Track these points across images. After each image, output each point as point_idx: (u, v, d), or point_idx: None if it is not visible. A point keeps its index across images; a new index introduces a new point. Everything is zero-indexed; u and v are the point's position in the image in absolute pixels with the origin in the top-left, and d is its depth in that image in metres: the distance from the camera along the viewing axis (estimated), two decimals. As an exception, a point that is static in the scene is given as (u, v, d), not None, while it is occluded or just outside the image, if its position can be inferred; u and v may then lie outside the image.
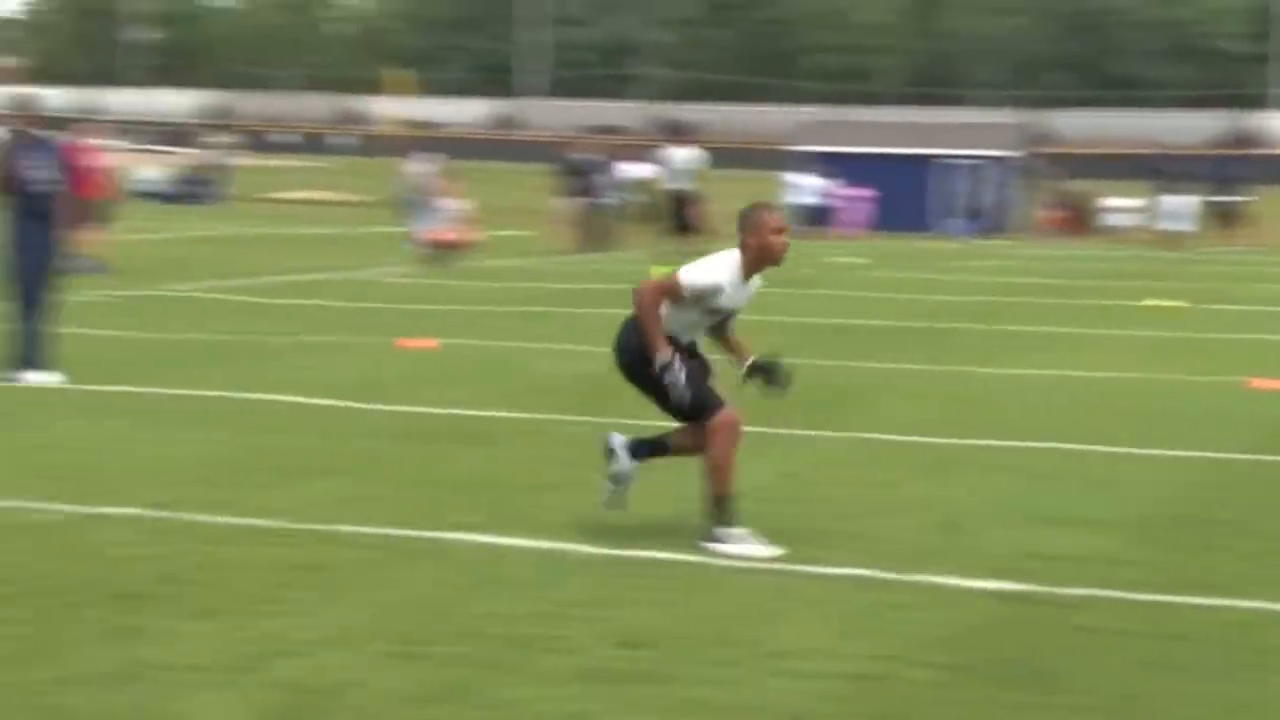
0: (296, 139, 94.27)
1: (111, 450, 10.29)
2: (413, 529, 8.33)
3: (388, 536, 8.18)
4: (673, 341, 8.11)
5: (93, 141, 25.45)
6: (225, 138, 58.72)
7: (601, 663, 6.30)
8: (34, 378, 12.91)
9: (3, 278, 13.34)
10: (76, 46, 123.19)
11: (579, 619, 6.84)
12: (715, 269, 8.12)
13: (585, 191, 31.47)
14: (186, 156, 55.33)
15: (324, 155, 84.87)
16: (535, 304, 20.75)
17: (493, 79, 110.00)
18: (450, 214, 27.51)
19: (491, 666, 6.22)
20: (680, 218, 27.29)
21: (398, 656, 6.29)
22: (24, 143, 13.34)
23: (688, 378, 8.03)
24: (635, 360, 8.18)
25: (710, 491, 8.09)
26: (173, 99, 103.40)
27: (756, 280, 8.28)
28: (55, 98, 55.08)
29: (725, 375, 8.44)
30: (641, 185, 26.10)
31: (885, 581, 7.56)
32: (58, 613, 6.73)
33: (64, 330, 13.72)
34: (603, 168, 31.98)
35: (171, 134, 76.66)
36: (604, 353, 13.36)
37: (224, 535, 8.14)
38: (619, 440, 8.43)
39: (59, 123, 23.42)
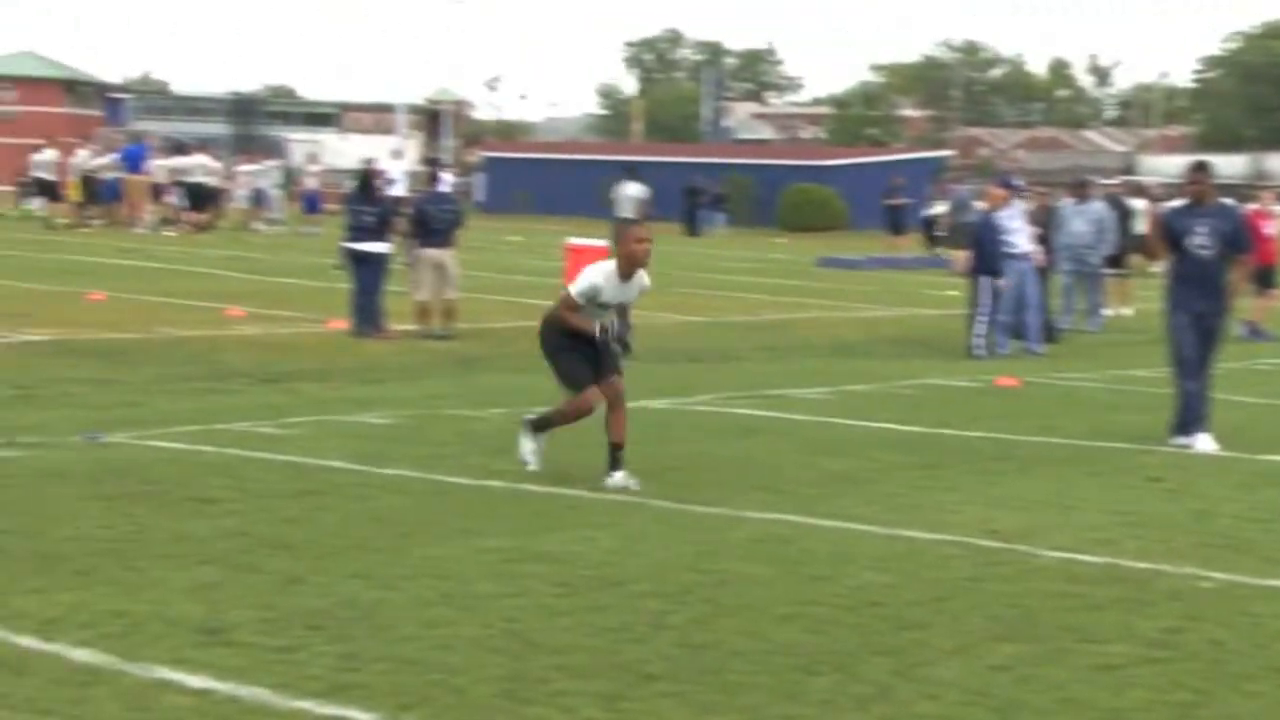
0: None
1: (1261, 520, 10.10)
2: None
3: None
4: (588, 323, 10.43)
5: (1266, 207, 25.21)
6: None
7: None
8: (1201, 444, 12.85)
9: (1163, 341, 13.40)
10: (1245, 111, 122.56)
11: None
12: (590, 275, 10.43)
13: None
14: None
15: None
16: None
17: None
18: None
19: None
20: None
21: None
22: (1189, 208, 13.35)
23: (570, 359, 10.47)
24: (544, 349, 10.72)
25: (552, 420, 10.67)
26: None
27: (644, 279, 10.54)
28: (1224, 164, 54.94)
29: None
30: None
31: None
32: (1220, 681, 6.66)
33: (1217, 396, 13.62)
34: None
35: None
36: None
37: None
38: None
39: (1231, 189, 23.33)
